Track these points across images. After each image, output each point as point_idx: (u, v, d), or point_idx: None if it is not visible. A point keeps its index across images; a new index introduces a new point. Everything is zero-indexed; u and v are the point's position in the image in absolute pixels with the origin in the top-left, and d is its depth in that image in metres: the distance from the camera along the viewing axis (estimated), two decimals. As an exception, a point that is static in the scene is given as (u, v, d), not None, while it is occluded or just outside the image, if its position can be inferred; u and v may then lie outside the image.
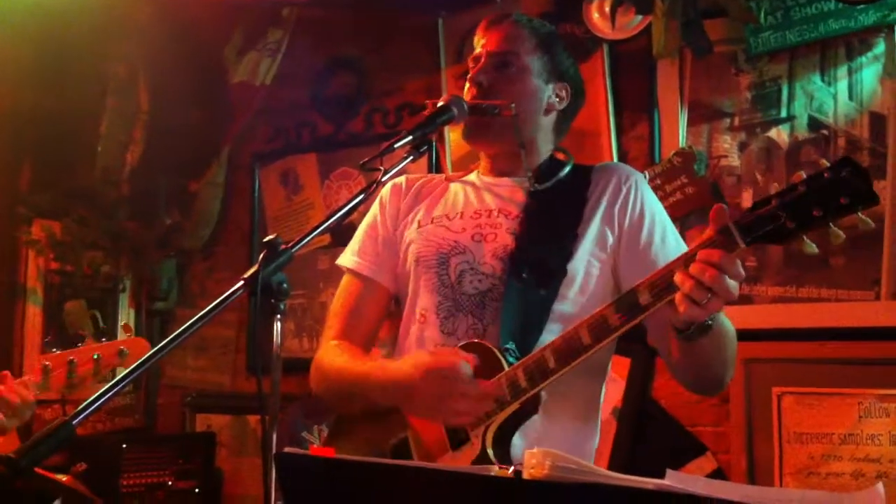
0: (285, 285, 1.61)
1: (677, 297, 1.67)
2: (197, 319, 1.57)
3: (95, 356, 2.58)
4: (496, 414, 1.86)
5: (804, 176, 1.56)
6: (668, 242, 2.04)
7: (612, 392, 3.29)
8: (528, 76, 2.14)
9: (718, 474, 3.18)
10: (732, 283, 1.64)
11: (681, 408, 3.31)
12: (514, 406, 1.86)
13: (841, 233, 1.56)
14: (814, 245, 1.60)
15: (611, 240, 2.05)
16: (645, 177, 3.29)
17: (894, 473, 2.90)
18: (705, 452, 3.23)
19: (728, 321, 1.88)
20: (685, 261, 1.68)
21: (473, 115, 2.08)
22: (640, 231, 2.05)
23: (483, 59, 2.15)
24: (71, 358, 2.56)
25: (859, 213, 1.54)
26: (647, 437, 3.32)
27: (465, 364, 1.85)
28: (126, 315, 4.68)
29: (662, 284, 1.72)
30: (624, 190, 2.08)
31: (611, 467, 3.17)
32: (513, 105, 2.07)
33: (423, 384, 1.85)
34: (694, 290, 1.63)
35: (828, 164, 1.54)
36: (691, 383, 2.08)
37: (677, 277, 1.66)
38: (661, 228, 2.06)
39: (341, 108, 4.33)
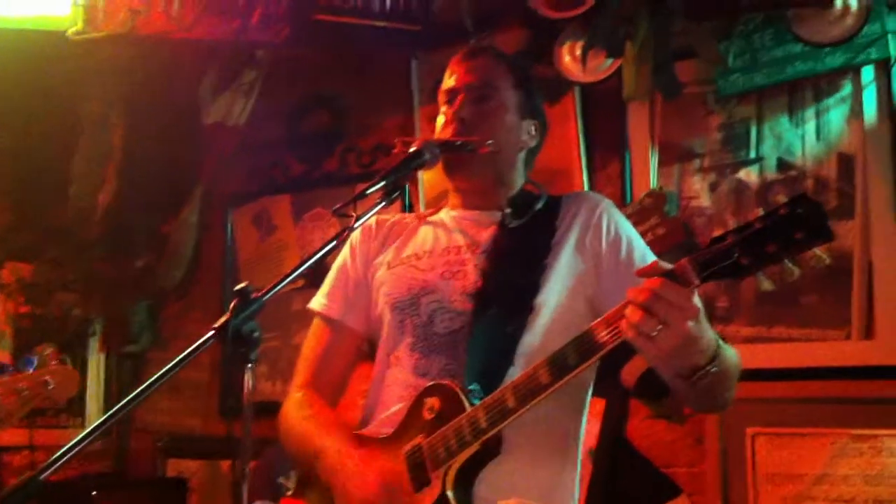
0: (256, 334, 1.60)
1: (623, 325, 1.63)
2: (168, 370, 1.55)
3: (19, 388, 2.54)
4: (457, 455, 1.84)
5: (762, 213, 1.58)
6: (648, 262, 1.99)
7: (586, 433, 3.28)
8: (507, 111, 2.14)
9: (694, 516, 3.17)
10: (686, 319, 1.59)
11: (655, 448, 3.30)
12: (476, 447, 1.83)
13: (795, 269, 1.58)
14: (768, 282, 1.61)
15: (581, 269, 2.03)
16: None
17: (868, 513, 2.91)
18: (680, 494, 3.22)
19: (731, 351, 1.83)
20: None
21: (451, 152, 2.08)
22: (619, 253, 2.03)
23: (462, 94, 2.14)
24: None
25: (816, 250, 1.55)
26: (623, 478, 3.31)
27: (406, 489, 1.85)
28: (97, 359, 4.63)
29: (617, 321, 1.69)
30: (595, 218, 2.07)
31: (586, 509, 3.16)
32: (490, 142, 2.07)
33: (371, 497, 1.86)
34: (642, 320, 1.59)
35: (785, 201, 1.55)
36: (696, 409, 2.07)
37: (627, 310, 1.63)
38: (641, 249, 2.06)
39: (316, 148, 4.34)
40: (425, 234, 2.19)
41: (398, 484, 1.88)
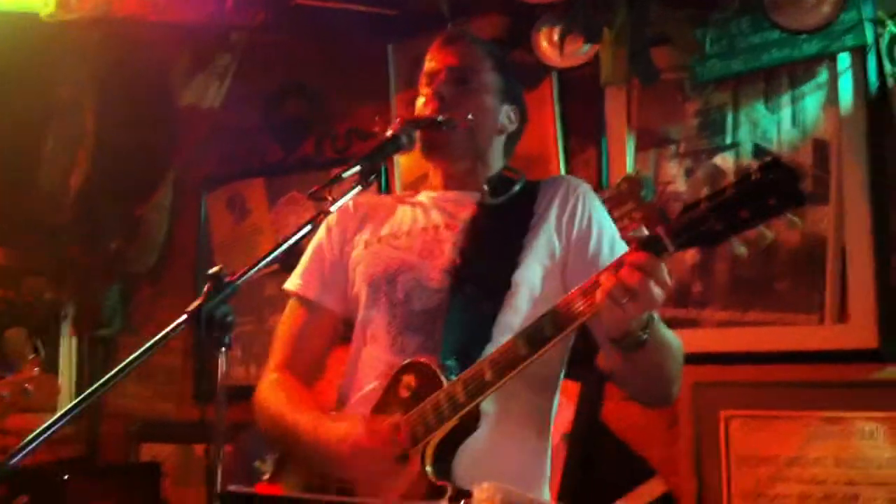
0: (230, 318, 1.59)
1: (598, 293, 1.68)
2: (140, 354, 1.54)
3: (0, 394, 2.52)
4: (435, 430, 1.85)
5: (734, 180, 1.60)
6: (616, 252, 2.04)
7: (561, 417, 3.29)
8: (487, 93, 2.16)
9: (668, 498, 3.19)
10: (657, 290, 1.65)
11: (630, 431, 3.32)
12: (454, 421, 1.84)
13: (769, 234, 1.59)
14: (743, 247, 1.63)
15: (558, 250, 2.06)
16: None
17: (840, 495, 2.93)
18: (655, 475, 3.24)
19: (671, 335, 1.89)
20: (615, 266, 1.69)
21: (430, 130, 2.08)
22: (588, 241, 2.06)
23: (443, 74, 2.15)
24: None
25: (788, 214, 1.56)
26: (597, 461, 3.33)
27: (396, 441, 1.85)
28: (68, 343, 4.59)
29: (593, 291, 1.72)
30: (571, 200, 2.09)
31: (561, 492, 3.17)
32: (470, 117, 2.08)
33: (350, 459, 1.85)
34: (615, 288, 1.64)
35: (757, 166, 1.57)
36: (636, 395, 2.08)
37: (602, 276, 1.67)
38: (610, 238, 2.08)
39: (291, 133, 4.31)
40: (403, 214, 2.20)
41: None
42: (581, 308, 1.74)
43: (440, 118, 2.08)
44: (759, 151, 3.26)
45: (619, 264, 1.68)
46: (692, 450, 3.17)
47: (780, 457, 3.04)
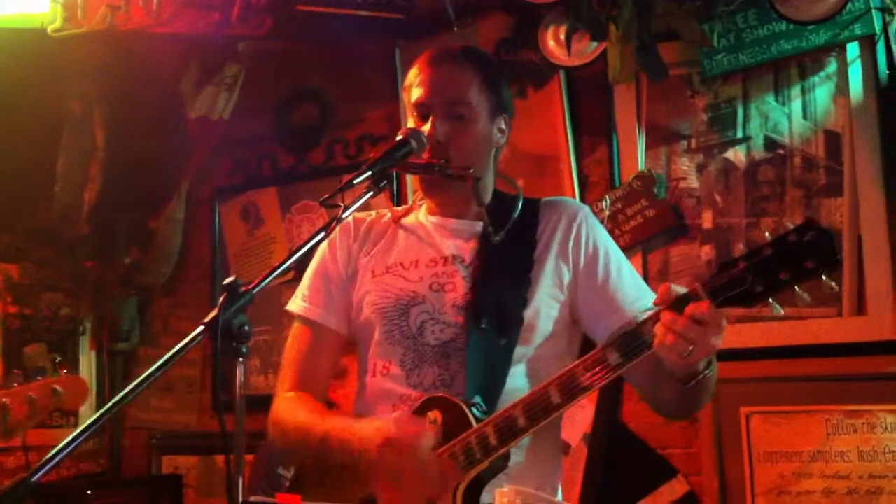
0: (247, 328, 1.59)
1: (657, 345, 1.69)
2: (158, 366, 1.54)
3: (29, 397, 2.50)
4: (466, 472, 1.85)
5: (769, 238, 1.60)
6: (624, 275, 2.06)
7: (581, 418, 3.28)
8: (479, 121, 2.10)
9: (691, 497, 3.17)
10: (715, 338, 1.66)
11: (650, 431, 3.31)
12: (485, 464, 1.85)
13: (806, 296, 1.59)
14: (779, 307, 1.63)
15: (566, 277, 2.06)
16: (607, 201, 3.35)
17: (864, 489, 2.91)
18: (677, 475, 3.23)
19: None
20: (653, 319, 1.71)
21: (430, 173, 2.05)
22: (597, 266, 2.06)
23: (433, 112, 2.07)
24: (3, 401, 2.47)
25: (823, 277, 1.56)
26: (619, 462, 3.31)
27: (429, 437, 1.84)
28: (87, 357, 4.61)
29: (633, 343, 1.74)
30: (575, 227, 2.09)
31: (583, 494, 3.16)
32: (472, 170, 2.05)
33: (381, 455, 1.84)
34: (676, 343, 1.65)
35: (791, 227, 1.57)
36: (671, 415, 2.14)
37: (659, 331, 1.67)
38: (617, 262, 2.08)
39: (302, 140, 4.32)
40: (408, 242, 2.16)
41: None
42: (617, 360, 1.76)
43: (437, 167, 2.03)
44: (770, 144, 3.25)
45: (655, 318, 1.69)
46: (713, 448, 3.16)
47: (802, 452, 3.02)
